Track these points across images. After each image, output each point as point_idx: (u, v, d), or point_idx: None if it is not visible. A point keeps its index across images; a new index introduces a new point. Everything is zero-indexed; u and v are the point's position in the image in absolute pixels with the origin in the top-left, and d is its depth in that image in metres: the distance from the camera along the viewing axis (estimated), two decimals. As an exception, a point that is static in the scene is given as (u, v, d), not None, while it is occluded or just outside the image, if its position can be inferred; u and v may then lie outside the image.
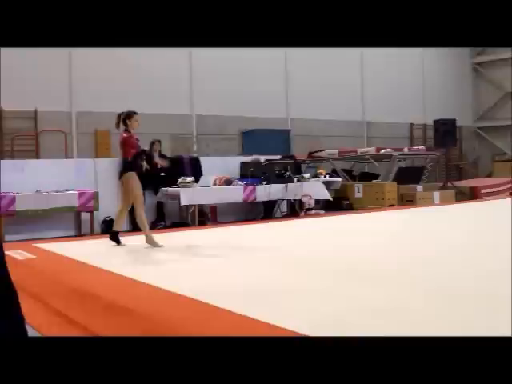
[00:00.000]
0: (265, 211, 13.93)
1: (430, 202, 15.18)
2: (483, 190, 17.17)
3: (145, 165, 8.78)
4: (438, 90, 22.82)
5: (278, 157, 14.84)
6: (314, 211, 13.33)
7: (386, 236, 8.87)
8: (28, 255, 7.70)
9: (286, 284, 5.39)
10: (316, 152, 17.33)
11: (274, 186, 12.81)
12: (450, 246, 7.60)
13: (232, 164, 14.00)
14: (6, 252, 7.29)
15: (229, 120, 17.64)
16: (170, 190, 11.99)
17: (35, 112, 14.44)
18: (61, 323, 4.66)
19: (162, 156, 12.99)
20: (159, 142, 13.09)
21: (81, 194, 11.17)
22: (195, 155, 15.56)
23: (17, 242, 9.53)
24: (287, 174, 13.27)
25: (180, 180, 11.91)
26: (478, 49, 24.50)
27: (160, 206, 12.67)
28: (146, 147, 12.93)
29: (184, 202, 11.60)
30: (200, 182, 12.38)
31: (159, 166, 9.24)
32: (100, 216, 11.94)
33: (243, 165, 13.78)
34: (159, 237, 9.97)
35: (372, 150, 16.79)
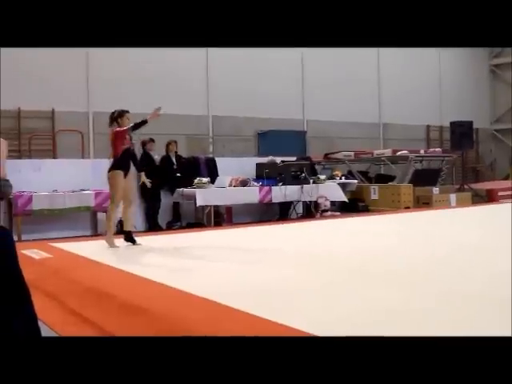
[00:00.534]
0: (280, 212, 13.93)
1: (446, 205, 15.10)
2: (500, 193, 17.05)
3: (146, 181, 8.85)
4: (454, 91, 22.69)
5: (294, 158, 14.82)
6: (329, 213, 13.31)
7: (400, 238, 8.83)
8: (44, 254, 7.74)
9: (299, 285, 5.38)
10: (332, 153, 17.30)
11: (289, 187, 12.81)
12: (463, 247, 7.55)
13: (248, 165, 13.99)
14: (23, 251, 7.34)
15: (245, 121, 17.64)
16: (186, 190, 12.02)
17: (52, 112, 14.50)
18: (76, 322, 4.68)
19: (177, 157, 13.07)
20: (175, 142, 13.15)
21: (97, 194, 11.22)
22: (211, 156, 15.57)
23: (33, 242, 9.60)
24: (303, 175, 13.25)
25: (196, 181, 11.94)
26: (495, 51, 24.35)
27: (176, 207, 12.70)
28: (163, 148, 13.03)
29: (200, 202, 11.62)
30: (216, 182, 12.40)
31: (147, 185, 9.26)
32: (116, 216, 11.97)
33: (259, 166, 13.78)
34: (175, 237, 10.01)
35: (388, 151, 16.74)
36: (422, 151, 17.30)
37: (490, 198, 16.84)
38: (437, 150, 18.04)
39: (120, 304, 4.90)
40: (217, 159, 14.40)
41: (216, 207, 12.36)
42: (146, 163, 12.56)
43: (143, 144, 12.70)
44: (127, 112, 8.55)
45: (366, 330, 3.79)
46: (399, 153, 16.27)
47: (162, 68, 16.05)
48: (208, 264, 6.83)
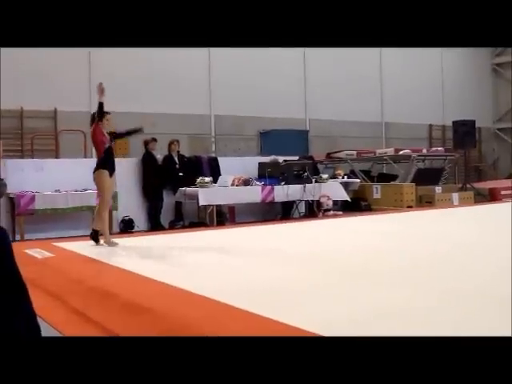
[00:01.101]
0: (283, 212, 13.93)
1: (448, 204, 15.08)
2: (502, 192, 17.02)
3: None
4: (457, 90, 22.66)
5: (296, 157, 14.83)
6: (331, 212, 13.30)
7: (403, 237, 8.83)
8: (47, 254, 7.75)
9: (301, 283, 5.38)
10: (334, 153, 17.29)
11: (292, 186, 12.81)
12: (466, 246, 7.55)
13: (250, 164, 14.00)
14: (26, 250, 7.34)
15: (247, 120, 17.63)
16: (189, 189, 12.02)
17: (55, 112, 14.51)
18: (79, 321, 4.69)
19: (180, 156, 13.08)
20: (177, 142, 13.16)
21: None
22: (213, 155, 15.58)
23: (36, 241, 9.61)
24: (305, 174, 13.24)
25: (198, 180, 11.95)
26: (497, 50, 24.31)
27: (178, 206, 12.71)
28: (165, 147, 13.05)
29: (202, 202, 11.63)
30: (218, 182, 12.40)
31: None
32: (119, 215, 12.00)
33: (261, 165, 13.78)
34: (177, 237, 10.01)
35: (390, 150, 16.72)
36: (424, 150, 17.27)
37: (492, 197, 16.82)
38: (439, 149, 18.02)
39: (122, 303, 4.90)
40: (219, 158, 14.41)
41: (218, 207, 12.37)
42: (148, 163, 12.59)
43: (145, 143, 12.73)
44: (108, 113, 8.60)
45: (368, 329, 3.79)
46: (402, 152, 16.25)
47: (163, 67, 16.05)
48: (210, 263, 6.83)
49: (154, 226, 12.36)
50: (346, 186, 14.22)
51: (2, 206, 10.82)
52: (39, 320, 2.57)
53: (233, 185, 12.45)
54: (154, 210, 12.52)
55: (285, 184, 12.79)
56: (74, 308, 5.10)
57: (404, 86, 20.80)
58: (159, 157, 12.84)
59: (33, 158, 13.56)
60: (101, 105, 8.32)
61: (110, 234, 11.16)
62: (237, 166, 13.79)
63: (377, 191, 15.09)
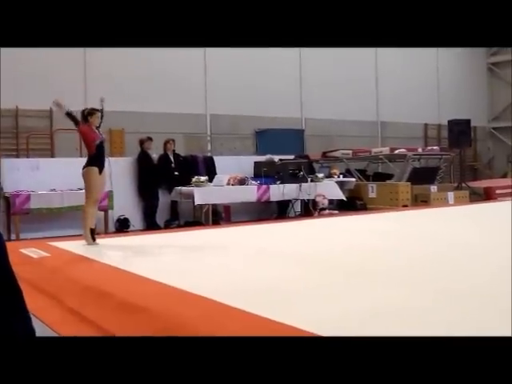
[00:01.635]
0: (278, 211, 13.93)
1: (444, 203, 15.10)
2: (498, 191, 17.06)
3: None
4: (452, 90, 22.69)
5: (292, 156, 14.83)
6: (327, 211, 13.31)
7: (398, 236, 8.84)
8: (42, 253, 7.74)
9: (296, 283, 5.38)
10: (330, 152, 17.30)
11: (287, 185, 12.81)
12: (461, 245, 7.56)
13: (246, 163, 13.99)
14: (21, 250, 7.34)
15: (243, 119, 17.63)
16: (184, 189, 12.01)
17: (50, 111, 14.49)
18: (74, 321, 4.69)
19: (175, 155, 13.08)
20: (173, 141, 13.14)
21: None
22: (209, 154, 15.58)
23: (31, 240, 9.59)
24: (301, 173, 13.25)
25: (194, 179, 11.94)
26: (492, 49, 24.34)
27: (174, 205, 12.70)
28: (160, 147, 13.04)
29: (198, 201, 11.62)
30: (214, 181, 12.40)
31: None
32: (114, 215, 11.99)
33: (257, 164, 13.78)
34: (173, 236, 10.01)
35: (386, 150, 16.74)
36: (419, 149, 17.29)
37: (487, 196, 16.85)
38: (435, 148, 18.03)
39: (118, 302, 4.90)
40: (215, 158, 14.41)
41: (214, 206, 12.37)
42: (143, 162, 12.58)
43: (141, 143, 12.72)
44: (98, 111, 8.66)
45: (363, 328, 3.80)
46: (397, 151, 16.27)
47: (159, 66, 16.04)
48: (206, 262, 6.83)
49: (150, 225, 12.35)
50: (341, 185, 14.24)
51: (-3, 206, 10.82)
52: (35, 319, 2.58)
53: (228, 184, 12.45)
54: (149, 209, 12.50)
55: (280, 183, 12.79)
56: (69, 307, 5.09)
57: (399, 85, 20.83)
58: (155, 156, 12.82)
59: (28, 157, 13.53)
60: (68, 114, 8.39)
61: (106, 233, 11.22)
62: (232, 166, 13.78)
63: (372, 190, 15.11)
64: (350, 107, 19.49)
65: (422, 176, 16.01)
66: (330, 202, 13.63)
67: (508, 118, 23.75)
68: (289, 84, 18.69)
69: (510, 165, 22.30)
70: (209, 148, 17.23)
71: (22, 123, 14.27)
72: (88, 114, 8.51)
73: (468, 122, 17.36)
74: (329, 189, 13.48)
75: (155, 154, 12.90)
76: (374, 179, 16.43)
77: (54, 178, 11.31)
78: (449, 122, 17.52)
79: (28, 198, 10.77)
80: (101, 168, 8.41)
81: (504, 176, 21.56)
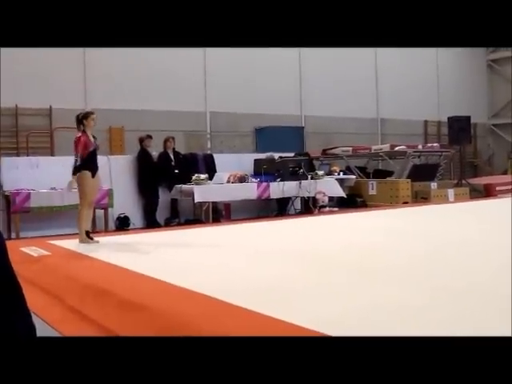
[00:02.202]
0: (278, 208, 13.94)
1: (444, 200, 15.11)
2: (498, 188, 17.06)
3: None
4: (452, 86, 22.70)
5: (292, 154, 14.83)
6: (327, 208, 13.32)
7: (398, 233, 8.83)
8: (43, 252, 7.74)
9: (297, 281, 5.39)
10: (330, 149, 17.29)
11: (287, 183, 12.82)
12: (461, 243, 7.56)
13: (246, 161, 14.01)
14: (21, 248, 7.34)
15: (242, 117, 17.63)
16: (184, 187, 12.02)
17: (50, 109, 14.51)
18: (75, 319, 4.69)
19: (175, 153, 13.07)
20: (173, 139, 13.14)
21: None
22: (209, 152, 15.59)
23: (31, 239, 9.60)
24: (301, 171, 13.25)
25: (194, 177, 11.95)
26: (492, 45, 24.38)
27: (174, 203, 12.71)
28: (160, 145, 13.04)
29: (198, 199, 11.63)
30: (214, 179, 12.41)
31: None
32: (114, 213, 11.99)
33: (257, 162, 13.78)
34: (173, 234, 10.01)
35: (386, 147, 16.74)
36: (420, 146, 17.29)
37: (487, 192, 16.85)
38: (435, 145, 18.04)
39: (119, 301, 4.90)
40: (215, 155, 14.42)
41: (214, 203, 12.37)
42: (143, 160, 12.59)
43: (141, 141, 12.72)
44: (92, 113, 8.64)
45: (364, 326, 3.80)
46: (397, 148, 16.27)
47: (159, 65, 16.04)
48: (206, 260, 6.83)
49: (150, 223, 12.35)
50: (341, 182, 14.24)
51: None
52: (35, 318, 2.58)
53: (228, 182, 12.45)
54: (149, 207, 12.51)
55: (280, 181, 12.80)
56: (70, 306, 5.10)
57: (400, 82, 20.84)
58: (154, 154, 12.82)
59: (28, 155, 13.54)
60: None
61: (106, 231, 11.23)
62: (232, 163, 13.79)
63: (372, 187, 15.11)
64: (350, 104, 19.50)
65: (422, 173, 16.02)
66: (330, 199, 13.63)
67: (508, 115, 23.76)
68: (288, 82, 18.70)
69: (510, 161, 22.30)
70: (209, 146, 17.24)
71: (22, 122, 14.28)
72: (83, 117, 8.51)
73: (468, 118, 17.36)
74: (329, 186, 13.48)
75: (155, 151, 12.90)
76: (374, 176, 16.42)
77: (53, 176, 11.29)
78: (449, 118, 17.51)
79: (28, 196, 10.77)
80: (94, 172, 8.44)
81: (504, 173, 21.56)
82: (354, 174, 15.90)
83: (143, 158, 12.63)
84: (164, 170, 12.72)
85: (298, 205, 14.00)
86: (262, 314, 4.10)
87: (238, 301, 4.46)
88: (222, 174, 12.60)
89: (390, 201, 14.52)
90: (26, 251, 7.75)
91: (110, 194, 11.46)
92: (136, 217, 12.39)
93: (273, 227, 10.60)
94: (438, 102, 22.30)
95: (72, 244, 8.36)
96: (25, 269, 6.21)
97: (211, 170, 13.21)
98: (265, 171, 12.98)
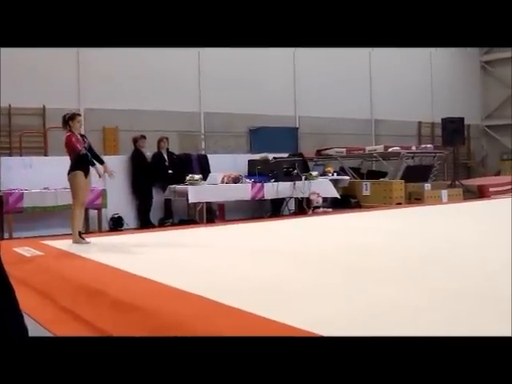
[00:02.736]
0: (273, 209, 13.94)
1: (437, 201, 15.13)
2: (491, 189, 17.10)
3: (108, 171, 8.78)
4: (446, 88, 22.73)
5: (286, 154, 14.83)
6: (321, 209, 13.32)
7: (392, 234, 8.84)
8: (36, 252, 7.72)
9: (290, 281, 5.38)
10: (324, 150, 17.31)
11: (281, 183, 12.82)
12: (455, 243, 7.57)
13: (240, 162, 14.01)
14: (14, 249, 7.31)
15: (237, 117, 17.61)
16: (178, 187, 12.01)
17: (43, 109, 14.45)
18: (68, 320, 4.68)
19: (169, 153, 13.06)
20: (167, 139, 13.13)
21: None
22: (203, 153, 15.57)
23: (24, 239, 9.57)
24: (295, 171, 13.26)
25: (188, 177, 11.93)
26: (486, 47, 24.45)
27: (168, 204, 12.70)
28: (154, 145, 13.02)
29: (192, 199, 11.62)
30: (208, 179, 12.40)
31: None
32: (108, 213, 11.97)
33: (251, 162, 13.78)
34: (167, 234, 10.00)
35: (380, 148, 16.76)
36: (413, 147, 17.32)
37: (481, 193, 16.89)
38: (428, 146, 18.07)
39: (112, 301, 4.88)
40: (209, 156, 14.42)
41: (208, 204, 12.35)
42: (137, 160, 12.57)
43: (134, 141, 12.70)
44: (78, 115, 8.74)
45: (359, 327, 3.80)
46: (391, 149, 16.30)
47: (153, 65, 16.01)
48: (200, 261, 6.82)
49: (144, 223, 12.33)
50: (335, 183, 14.25)
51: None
52: (28, 318, 2.57)
53: (222, 182, 12.45)
54: (143, 207, 12.49)
55: (274, 181, 12.80)
56: (62, 306, 5.08)
57: (394, 83, 20.84)
58: (148, 154, 12.80)
59: (21, 155, 13.49)
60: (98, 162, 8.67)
61: (100, 231, 11.21)
62: (227, 164, 13.79)
63: (366, 188, 15.13)
64: (344, 105, 19.51)
65: (416, 174, 16.05)
66: (324, 199, 13.63)
67: (501, 116, 23.82)
68: (283, 82, 18.69)
69: (503, 163, 22.36)
70: (203, 146, 17.21)
71: (15, 121, 14.23)
72: (69, 118, 8.51)
73: (461, 120, 17.40)
74: (323, 187, 13.49)
75: (149, 152, 12.88)
76: (368, 177, 16.44)
77: (47, 176, 11.26)
78: (442, 120, 17.55)
79: (21, 196, 10.74)
80: (86, 172, 8.44)
81: (497, 174, 21.62)
82: (347, 174, 15.91)
83: (137, 158, 12.62)
84: (158, 170, 12.70)
85: (292, 205, 14.00)
86: (255, 314, 4.09)
87: (231, 301, 4.45)
88: (216, 175, 12.60)
89: (384, 201, 14.54)
90: (19, 251, 7.73)
91: (103, 194, 11.43)
92: (130, 217, 12.38)
93: (267, 228, 10.60)
94: (432, 104, 22.33)
95: (65, 244, 8.34)
96: (18, 269, 6.19)
97: (205, 171, 13.20)
98: (259, 172, 12.98)
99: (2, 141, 14.04)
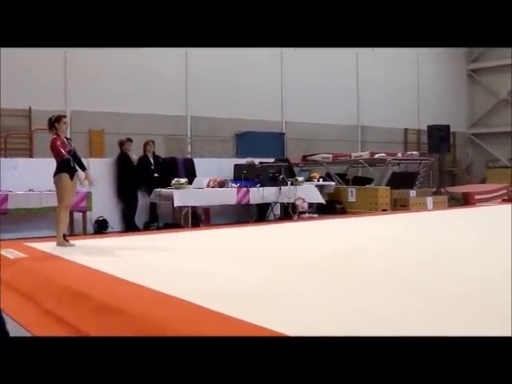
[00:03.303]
0: (258, 214, 13.94)
1: (422, 208, 15.18)
2: (476, 196, 17.20)
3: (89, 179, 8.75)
4: (432, 95, 22.83)
5: (272, 160, 14.84)
6: (307, 214, 13.33)
7: (377, 240, 8.85)
8: (19, 254, 7.66)
9: (275, 286, 5.37)
10: (310, 155, 17.32)
11: (267, 188, 12.82)
12: (440, 250, 7.60)
13: (226, 166, 13.99)
14: (-3, 251, 7.15)
15: (223, 122, 17.60)
16: (164, 191, 11.98)
17: (29, 110, 14.37)
18: (51, 322, 4.64)
19: (155, 157, 13.04)
20: (153, 142, 13.11)
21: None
22: (189, 156, 15.54)
23: (8, 241, 9.49)
24: (281, 176, 13.26)
25: (173, 181, 11.91)
26: (473, 55, 24.59)
27: (153, 207, 12.67)
28: (140, 148, 12.99)
29: (177, 203, 11.59)
30: (193, 183, 12.38)
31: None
32: (93, 216, 11.92)
33: (237, 167, 13.77)
34: (152, 238, 9.97)
35: (366, 154, 16.80)
36: (399, 154, 17.37)
37: (466, 201, 16.97)
38: (414, 153, 18.14)
39: (96, 304, 4.85)
40: (195, 160, 14.39)
41: (193, 208, 12.33)
42: (123, 163, 12.53)
43: (120, 144, 12.67)
44: (64, 117, 8.70)
45: (344, 331, 3.79)
46: (377, 155, 16.34)
47: (140, 67, 15.96)
48: (184, 265, 6.80)
49: (129, 226, 12.29)
50: (321, 188, 14.27)
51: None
52: (10, 320, 2.54)
53: (208, 186, 12.44)
54: (128, 210, 12.46)
55: (260, 186, 12.80)
56: (45, 309, 5.05)
57: (380, 89, 20.92)
58: (134, 157, 12.77)
59: (6, 157, 13.40)
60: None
61: (85, 234, 11.16)
62: (212, 168, 13.78)
63: (352, 194, 15.16)
64: (331, 111, 19.55)
65: (402, 181, 16.10)
66: (310, 205, 13.66)
67: (487, 125, 23.97)
68: (270, 87, 18.70)
69: (488, 170, 22.47)
70: (189, 150, 17.17)
71: (0, 122, 14.13)
72: (55, 120, 8.48)
73: (447, 127, 17.49)
74: (308, 192, 13.50)
75: (135, 155, 12.85)
76: (354, 183, 16.48)
77: (32, 178, 11.20)
78: (428, 127, 17.63)
79: (6, 198, 10.67)
80: (71, 174, 8.39)
81: (482, 181, 21.72)
82: (333, 180, 15.95)
83: (123, 161, 12.58)
84: (143, 173, 12.68)
85: (277, 211, 14.00)
86: (239, 319, 4.08)
87: (215, 305, 4.43)
88: (201, 179, 12.58)
89: (370, 208, 14.57)
90: (3, 253, 7.67)
91: (88, 196, 11.38)
92: (114, 220, 12.33)
93: (252, 232, 10.60)
94: (419, 111, 22.42)
95: (49, 246, 8.29)
96: (1, 271, 6.14)
97: (191, 175, 13.18)
98: (245, 176, 12.98)
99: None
